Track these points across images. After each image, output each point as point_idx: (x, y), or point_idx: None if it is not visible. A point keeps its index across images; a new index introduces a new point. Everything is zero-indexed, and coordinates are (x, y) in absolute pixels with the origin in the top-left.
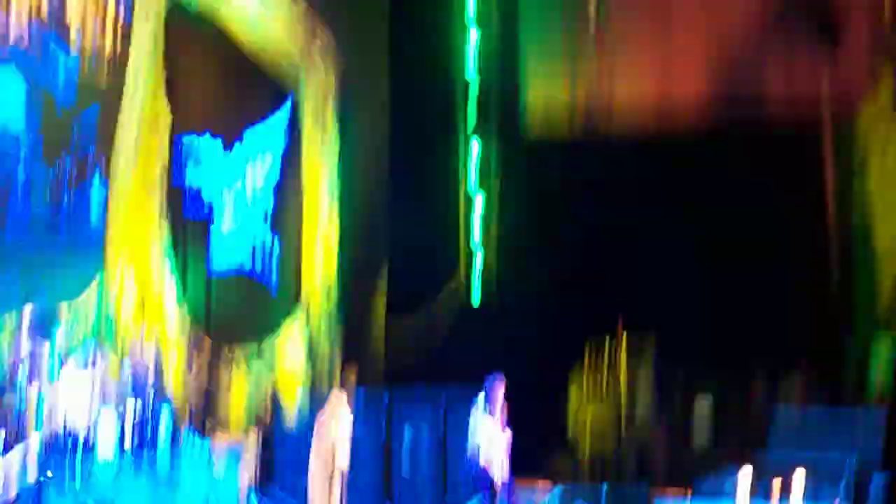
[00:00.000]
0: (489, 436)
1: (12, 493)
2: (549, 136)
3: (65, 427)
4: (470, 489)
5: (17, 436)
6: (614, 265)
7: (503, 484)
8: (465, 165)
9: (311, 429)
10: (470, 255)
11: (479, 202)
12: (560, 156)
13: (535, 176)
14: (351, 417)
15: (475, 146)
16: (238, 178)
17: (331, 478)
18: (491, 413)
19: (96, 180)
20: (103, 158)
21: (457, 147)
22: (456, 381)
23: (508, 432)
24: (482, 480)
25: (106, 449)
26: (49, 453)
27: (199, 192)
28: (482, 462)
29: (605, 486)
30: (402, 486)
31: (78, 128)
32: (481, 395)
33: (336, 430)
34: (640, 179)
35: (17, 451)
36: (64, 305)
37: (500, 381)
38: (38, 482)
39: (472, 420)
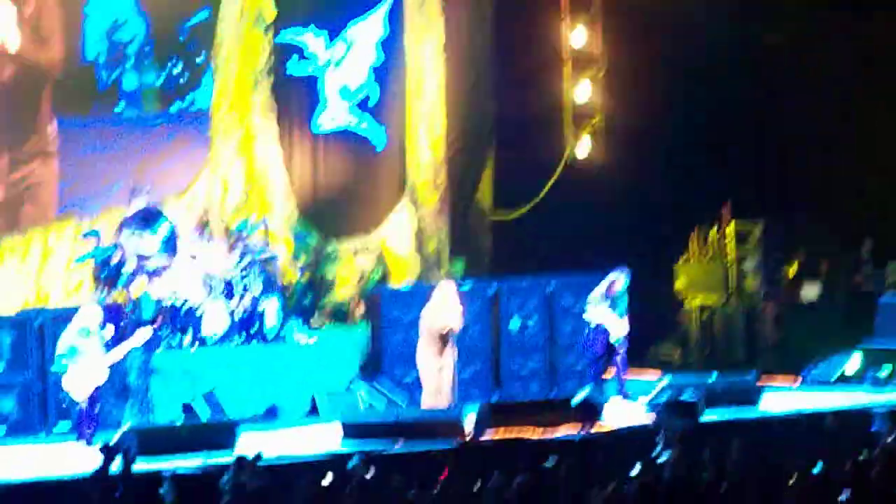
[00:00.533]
0: (608, 324)
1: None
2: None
3: (174, 318)
4: (582, 377)
5: (127, 329)
6: (722, 150)
7: (617, 372)
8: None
9: (419, 319)
10: (575, 143)
11: (585, 86)
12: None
13: (643, 59)
14: (459, 308)
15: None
16: (341, 71)
17: (440, 368)
18: (610, 303)
19: (206, 78)
20: (212, 55)
21: (561, 32)
22: (561, 270)
23: (626, 322)
24: (596, 368)
25: (214, 338)
26: (158, 344)
27: (303, 83)
28: (597, 350)
29: (713, 375)
30: (511, 375)
31: (189, 29)
32: (603, 284)
33: (444, 321)
34: (748, 65)
35: (127, 344)
36: (171, 198)
37: (623, 272)
38: (145, 374)
39: (589, 309)
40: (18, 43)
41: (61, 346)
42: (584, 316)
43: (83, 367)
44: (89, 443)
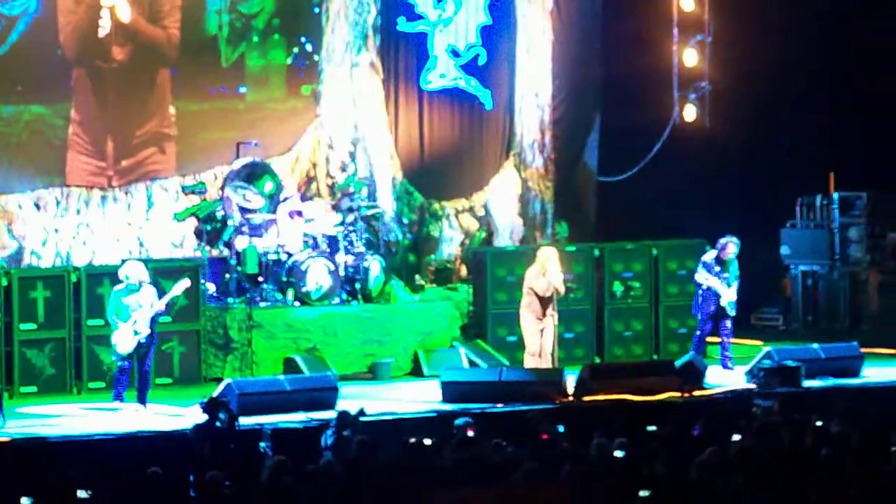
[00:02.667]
0: (718, 288)
1: None
2: None
3: (277, 274)
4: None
5: (230, 284)
6: (829, 118)
7: (723, 340)
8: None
9: (522, 280)
10: (682, 107)
11: (693, 50)
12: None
13: (751, 24)
14: (560, 274)
15: None
16: (451, 30)
17: (542, 329)
18: (721, 268)
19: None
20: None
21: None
22: (666, 237)
23: (734, 289)
24: (704, 329)
25: (317, 294)
26: (262, 298)
27: (413, 40)
28: (707, 311)
29: (815, 346)
30: (614, 337)
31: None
32: (712, 252)
33: (547, 283)
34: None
35: (167, 296)
36: (275, 158)
37: (733, 238)
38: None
39: (700, 271)
40: (129, 14)
41: (109, 302)
42: (696, 277)
43: (129, 324)
44: (120, 400)
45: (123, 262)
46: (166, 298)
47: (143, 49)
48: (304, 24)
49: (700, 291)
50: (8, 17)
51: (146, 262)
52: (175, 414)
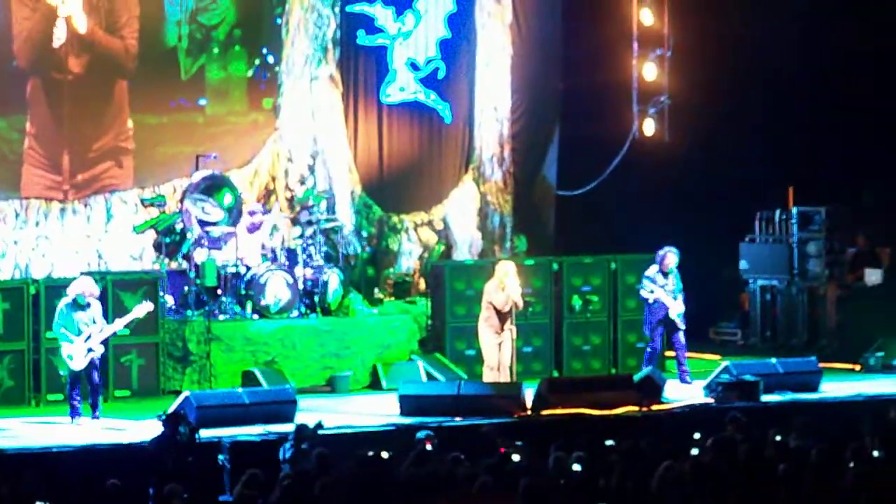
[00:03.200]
0: (664, 301)
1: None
2: None
3: (236, 286)
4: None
5: (189, 297)
6: (788, 137)
7: (678, 353)
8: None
9: (481, 294)
10: (641, 121)
11: (652, 64)
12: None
13: (710, 38)
14: (519, 287)
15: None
16: (410, 44)
17: (500, 344)
18: (664, 279)
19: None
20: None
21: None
22: (625, 251)
23: (680, 301)
24: (655, 342)
25: (276, 307)
26: (220, 312)
27: (372, 54)
28: (655, 320)
29: (773, 361)
30: (573, 351)
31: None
32: (654, 266)
33: (505, 297)
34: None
35: (128, 317)
36: (234, 171)
37: (672, 249)
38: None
39: (646, 284)
40: (86, 24)
41: (57, 315)
42: (641, 293)
43: (81, 338)
44: (75, 415)
45: (95, 274)
46: (127, 319)
47: (100, 60)
48: (265, 36)
49: (648, 304)
50: None
51: (104, 274)
52: (131, 428)
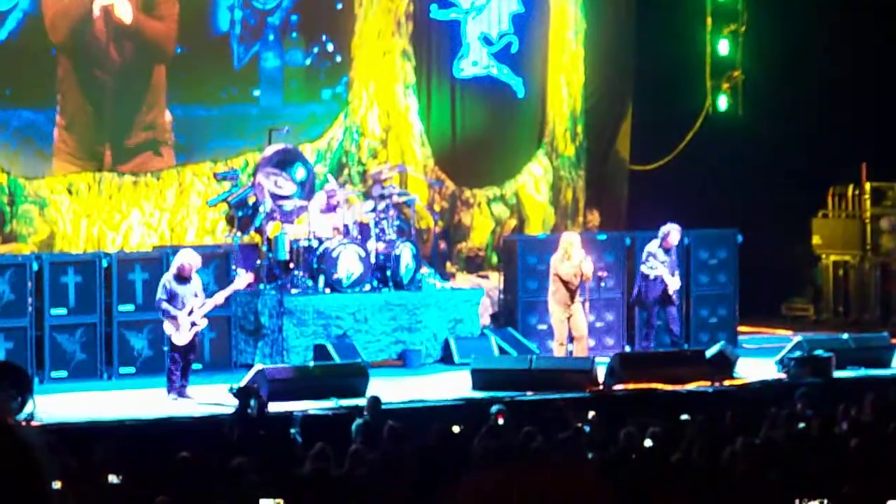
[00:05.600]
0: (665, 277)
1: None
2: None
3: (308, 260)
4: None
5: (261, 270)
6: (861, 112)
7: (671, 324)
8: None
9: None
10: (715, 96)
11: (725, 43)
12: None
13: (784, 12)
14: (590, 263)
15: None
16: (483, 18)
17: (569, 318)
18: (666, 256)
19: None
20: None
21: None
22: (697, 223)
23: (677, 277)
24: (653, 327)
25: (348, 281)
26: (293, 285)
27: (445, 28)
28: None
29: (846, 336)
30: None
31: None
32: (655, 241)
33: (573, 269)
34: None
35: (229, 288)
36: (307, 144)
37: (675, 229)
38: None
39: (650, 261)
40: (131, 14)
41: (161, 290)
42: (642, 268)
43: (184, 312)
44: (181, 395)
45: (168, 248)
46: (228, 291)
47: (142, 48)
48: (325, 22)
49: (648, 280)
50: None
51: (176, 249)
52: (207, 401)
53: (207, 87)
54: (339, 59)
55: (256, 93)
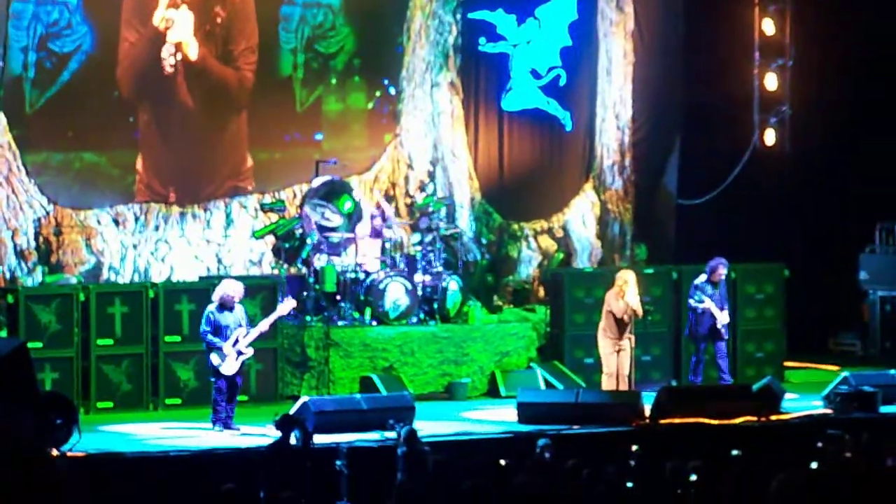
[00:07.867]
0: (713, 311)
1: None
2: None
3: (355, 292)
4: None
5: (308, 301)
6: None
7: (719, 359)
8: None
9: (600, 302)
10: (763, 131)
11: (774, 74)
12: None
13: (832, 48)
14: (637, 296)
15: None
16: (531, 51)
17: (618, 352)
18: (713, 290)
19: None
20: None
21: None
22: (744, 257)
23: (726, 312)
24: (700, 362)
25: (395, 313)
26: (339, 317)
27: (493, 60)
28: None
29: (893, 372)
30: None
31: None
32: (703, 276)
33: (624, 307)
34: None
35: (272, 316)
36: (354, 178)
37: (722, 264)
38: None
39: (697, 294)
40: (197, 51)
41: (204, 321)
42: (690, 301)
43: (229, 343)
44: (227, 426)
45: (215, 279)
46: (272, 319)
47: (212, 91)
48: (386, 66)
49: (696, 313)
50: (59, 55)
51: (223, 279)
52: (251, 433)
53: (271, 130)
54: (400, 106)
55: (319, 136)
